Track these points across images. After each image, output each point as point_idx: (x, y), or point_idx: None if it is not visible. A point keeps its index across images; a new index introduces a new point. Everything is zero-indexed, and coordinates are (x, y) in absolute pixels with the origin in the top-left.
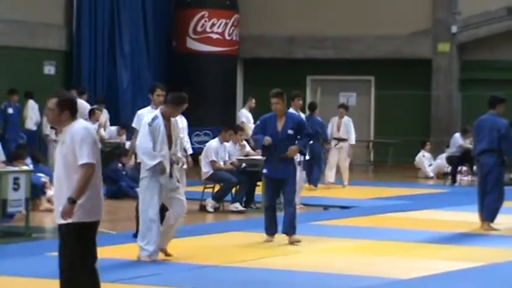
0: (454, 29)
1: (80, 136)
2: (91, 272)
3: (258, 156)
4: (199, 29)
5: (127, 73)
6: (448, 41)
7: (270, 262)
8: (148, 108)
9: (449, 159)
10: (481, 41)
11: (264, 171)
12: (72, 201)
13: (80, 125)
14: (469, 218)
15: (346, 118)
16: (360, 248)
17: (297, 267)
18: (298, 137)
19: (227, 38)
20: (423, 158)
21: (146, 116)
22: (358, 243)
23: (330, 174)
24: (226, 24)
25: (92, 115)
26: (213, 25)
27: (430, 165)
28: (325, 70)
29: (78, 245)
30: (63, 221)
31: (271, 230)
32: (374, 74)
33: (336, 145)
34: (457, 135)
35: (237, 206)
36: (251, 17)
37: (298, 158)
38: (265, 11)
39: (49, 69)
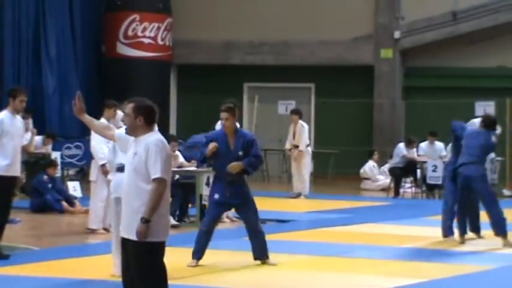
0: (397, 34)
1: (155, 148)
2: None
3: (192, 168)
4: (130, 33)
5: (53, 79)
6: (391, 47)
7: (206, 279)
8: (5, 112)
9: (392, 171)
10: (425, 47)
11: (216, 196)
12: (145, 220)
13: (157, 137)
14: (412, 231)
15: (300, 123)
16: (298, 263)
17: (228, 285)
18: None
19: (160, 42)
20: (373, 168)
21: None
22: (295, 259)
23: (297, 185)
24: (158, 28)
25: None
26: (144, 29)
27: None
28: (263, 77)
29: (148, 264)
30: (132, 238)
31: (198, 255)
32: (314, 81)
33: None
34: (401, 145)
35: (171, 220)
36: (185, 21)
37: None
38: (200, 15)
39: None
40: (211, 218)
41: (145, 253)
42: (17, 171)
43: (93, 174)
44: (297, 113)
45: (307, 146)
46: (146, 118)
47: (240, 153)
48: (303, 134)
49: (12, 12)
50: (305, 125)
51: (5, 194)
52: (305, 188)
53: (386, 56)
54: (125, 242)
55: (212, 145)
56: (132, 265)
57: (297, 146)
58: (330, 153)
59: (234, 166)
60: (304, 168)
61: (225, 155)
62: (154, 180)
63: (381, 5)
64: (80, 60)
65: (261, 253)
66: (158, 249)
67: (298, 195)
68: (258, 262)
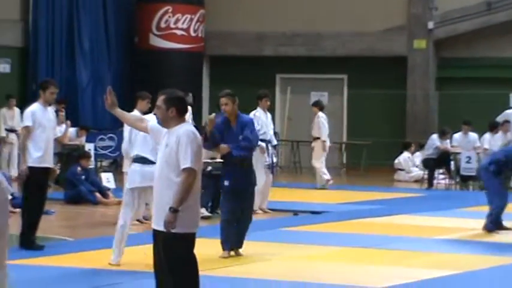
0: (430, 24)
1: (186, 138)
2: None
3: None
4: (162, 24)
5: (86, 71)
6: (425, 38)
7: (237, 271)
8: (37, 104)
9: (425, 162)
10: (459, 38)
11: (226, 183)
12: (173, 210)
13: (188, 128)
14: (446, 223)
15: (319, 115)
16: (332, 255)
17: (266, 276)
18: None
19: (192, 34)
20: (408, 159)
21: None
22: (329, 250)
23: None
24: (191, 19)
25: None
26: (177, 21)
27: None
28: (296, 68)
29: (179, 255)
30: (162, 229)
31: (228, 245)
32: (347, 73)
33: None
34: (434, 136)
35: (203, 211)
36: (218, 13)
37: (267, 161)
38: (233, 6)
39: (4, 67)
40: (226, 208)
41: (176, 245)
42: (49, 162)
43: (126, 165)
44: (316, 104)
45: (316, 138)
46: (178, 109)
47: (240, 137)
48: (318, 125)
49: (46, 6)
50: (321, 115)
51: (38, 185)
52: (317, 179)
53: (420, 47)
54: (156, 233)
55: (211, 116)
56: (163, 257)
57: (317, 138)
58: (363, 145)
59: (222, 148)
60: (314, 160)
61: (229, 140)
62: (184, 170)
63: None
64: (113, 53)
65: (235, 241)
66: (189, 240)
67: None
68: (294, 253)
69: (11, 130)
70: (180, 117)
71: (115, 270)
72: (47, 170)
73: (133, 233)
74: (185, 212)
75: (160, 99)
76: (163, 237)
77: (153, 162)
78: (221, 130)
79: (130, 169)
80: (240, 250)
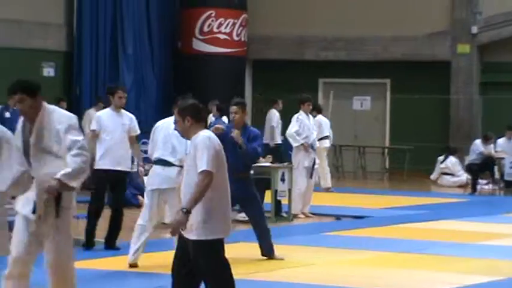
0: (474, 29)
1: (202, 145)
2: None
3: (266, 163)
4: (205, 29)
5: (130, 75)
6: (468, 42)
7: (281, 275)
8: (108, 109)
9: (469, 167)
10: (503, 42)
11: None
12: (186, 211)
13: (205, 134)
14: (490, 228)
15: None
16: (374, 260)
17: (308, 281)
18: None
19: (235, 38)
20: (456, 163)
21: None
22: (372, 255)
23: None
24: (234, 24)
25: None
26: (220, 25)
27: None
28: (338, 72)
29: (210, 262)
30: (191, 237)
31: None
32: (390, 77)
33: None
34: (478, 141)
35: (244, 215)
36: (260, 17)
37: (307, 164)
38: (275, 11)
39: (48, 71)
40: None
41: (206, 251)
42: (114, 164)
43: None
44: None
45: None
46: (192, 116)
47: (244, 147)
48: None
49: (90, 10)
50: (319, 119)
51: (100, 187)
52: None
53: (464, 52)
54: (183, 239)
55: (219, 126)
56: (195, 264)
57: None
58: (406, 149)
59: (237, 133)
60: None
61: (232, 149)
62: (200, 172)
63: (457, 0)
64: (156, 57)
65: (268, 250)
66: (217, 246)
67: (327, 190)
68: (338, 258)
69: None
70: (198, 123)
71: (156, 273)
72: (112, 172)
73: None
74: (213, 218)
75: (175, 113)
76: (192, 245)
77: (173, 165)
78: (228, 139)
79: (151, 171)
80: (276, 254)
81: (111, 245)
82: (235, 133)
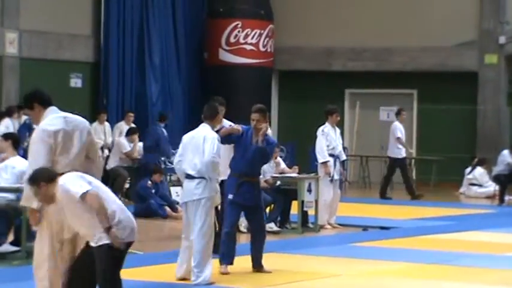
0: (502, 39)
1: None
2: None
3: (293, 174)
4: (232, 39)
5: (156, 85)
6: (496, 53)
7: (307, 286)
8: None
9: (497, 178)
10: None
11: (230, 196)
12: None
13: None
14: None
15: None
16: (401, 271)
17: None
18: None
19: (261, 49)
20: (483, 174)
21: None
22: (399, 266)
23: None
24: (260, 34)
25: (130, 134)
26: (246, 36)
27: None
28: (365, 83)
29: None
30: None
31: (226, 260)
32: (416, 87)
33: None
34: (506, 152)
35: (272, 226)
36: (287, 28)
37: (336, 176)
38: (302, 21)
39: (76, 81)
40: (230, 221)
41: None
42: None
43: None
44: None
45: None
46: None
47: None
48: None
49: (117, 21)
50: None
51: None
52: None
53: (491, 62)
54: None
55: (237, 127)
56: None
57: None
58: (433, 160)
59: (264, 126)
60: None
61: (244, 150)
62: None
63: (485, 10)
64: (183, 68)
65: (260, 262)
66: None
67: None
68: (365, 268)
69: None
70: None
71: (183, 284)
72: None
73: None
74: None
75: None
76: None
77: (194, 177)
78: (245, 137)
79: (183, 185)
80: (264, 268)
81: None
82: (234, 126)
